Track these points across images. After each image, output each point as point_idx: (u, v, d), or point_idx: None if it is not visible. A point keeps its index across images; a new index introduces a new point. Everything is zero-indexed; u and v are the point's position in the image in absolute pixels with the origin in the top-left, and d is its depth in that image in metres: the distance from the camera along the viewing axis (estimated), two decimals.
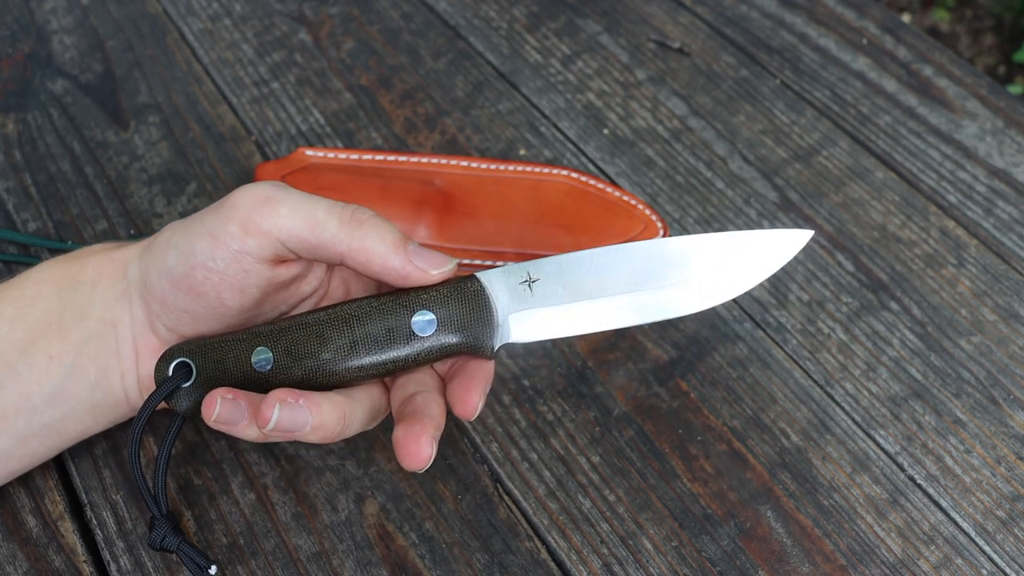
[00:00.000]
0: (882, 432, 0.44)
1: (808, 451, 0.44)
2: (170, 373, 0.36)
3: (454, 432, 0.45)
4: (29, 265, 0.44)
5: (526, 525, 0.42)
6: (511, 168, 0.52)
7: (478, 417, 0.45)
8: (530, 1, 0.66)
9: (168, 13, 0.66)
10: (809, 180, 0.55)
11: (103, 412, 0.40)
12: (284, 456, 0.44)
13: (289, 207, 0.35)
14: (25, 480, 0.43)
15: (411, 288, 0.37)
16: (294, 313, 0.40)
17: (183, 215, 0.53)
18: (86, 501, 0.43)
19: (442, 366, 0.39)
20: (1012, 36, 1.55)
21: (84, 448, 0.44)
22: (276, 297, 0.38)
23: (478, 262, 0.49)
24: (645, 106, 0.59)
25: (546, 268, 0.37)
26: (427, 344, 0.36)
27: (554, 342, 0.48)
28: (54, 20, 0.66)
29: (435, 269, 0.36)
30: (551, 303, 0.37)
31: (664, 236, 0.50)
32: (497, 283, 0.37)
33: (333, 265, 0.40)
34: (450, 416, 0.45)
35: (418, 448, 0.34)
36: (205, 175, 0.56)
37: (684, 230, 0.52)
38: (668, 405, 0.46)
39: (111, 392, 0.39)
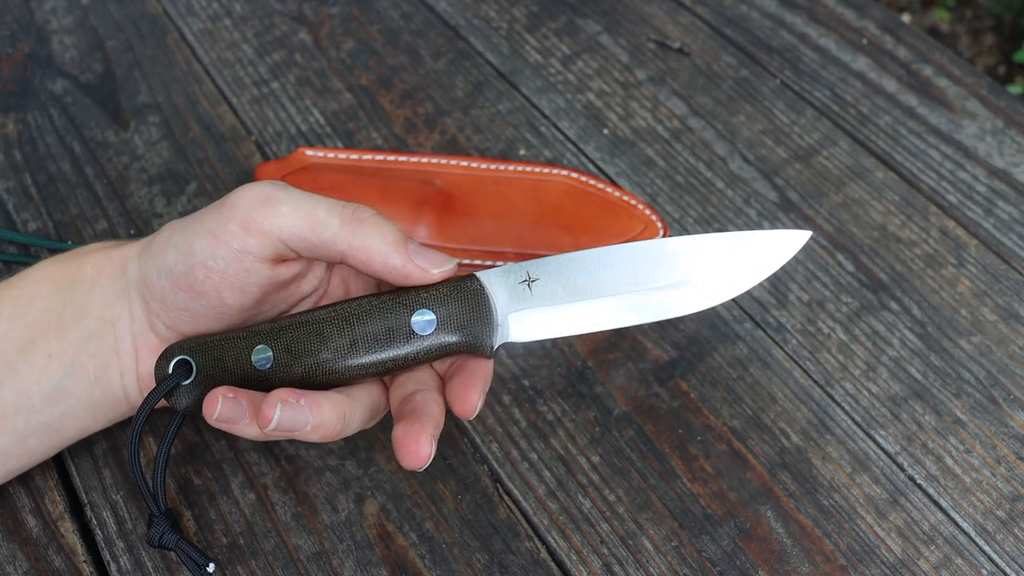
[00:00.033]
0: (882, 432, 0.44)
1: (808, 451, 0.44)
2: (170, 371, 0.36)
3: (454, 432, 0.45)
4: (29, 265, 0.44)
5: (526, 525, 0.42)
6: (511, 168, 0.52)
7: (478, 417, 0.45)
8: (530, 1, 0.66)
9: (168, 13, 0.66)
10: (809, 180, 0.55)
11: (102, 411, 0.40)
12: (284, 456, 0.44)
13: (290, 206, 0.35)
14: (25, 480, 0.43)
15: (411, 287, 0.37)
16: (294, 312, 0.40)
17: (183, 215, 0.52)
18: (86, 501, 0.43)
19: (441, 365, 0.39)
20: (1012, 36, 1.55)
21: (84, 448, 0.44)
22: (276, 296, 0.38)
23: (478, 262, 0.49)
24: (645, 106, 0.59)
25: (546, 268, 0.37)
26: (427, 343, 0.36)
27: (554, 342, 0.48)
28: (54, 20, 0.66)
29: (436, 268, 0.36)
30: (550, 303, 0.37)
31: (664, 236, 0.50)
32: (497, 282, 0.37)
33: (333, 264, 0.40)
34: (450, 416, 0.45)
35: (417, 447, 0.34)
36: (205, 175, 0.56)
37: (684, 230, 0.52)
38: (668, 405, 0.46)
39: (110, 390, 0.39)
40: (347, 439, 0.44)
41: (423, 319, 0.36)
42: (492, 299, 0.37)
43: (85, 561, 0.41)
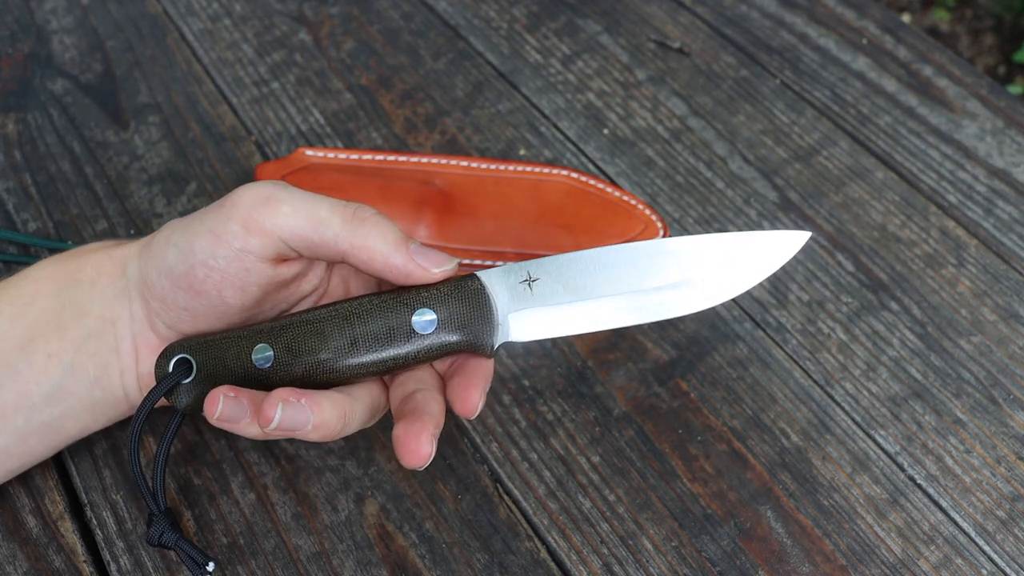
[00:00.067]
0: (882, 432, 0.44)
1: (808, 451, 0.44)
2: (170, 369, 0.36)
3: (454, 432, 0.45)
4: (29, 265, 0.44)
5: (526, 525, 0.42)
6: (511, 168, 0.52)
7: (478, 417, 0.45)
8: (530, 1, 0.66)
9: (168, 13, 0.66)
10: (809, 180, 0.55)
11: (102, 410, 0.40)
12: (284, 456, 0.44)
13: (291, 206, 0.36)
14: (25, 480, 0.43)
15: (412, 286, 0.37)
16: (294, 311, 0.40)
17: (183, 215, 0.53)
18: (86, 501, 0.43)
19: (442, 365, 0.39)
20: (1012, 36, 1.55)
21: (84, 448, 0.44)
22: (276, 296, 0.38)
23: (478, 262, 0.49)
24: (645, 106, 0.59)
25: (546, 267, 0.37)
26: (427, 342, 0.36)
27: (554, 342, 0.48)
28: (54, 20, 0.66)
29: (437, 267, 0.36)
30: (551, 302, 0.37)
31: (664, 236, 0.50)
32: (497, 282, 0.37)
33: (333, 264, 0.40)
34: (450, 416, 0.45)
35: (418, 446, 0.34)
36: (205, 175, 0.56)
37: (684, 230, 0.52)
38: (668, 405, 0.46)
39: (110, 390, 0.39)
40: (347, 439, 0.44)
41: (424, 318, 0.36)
42: (493, 298, 0.37)
43: (85, 561, 0.41)
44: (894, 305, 0.49)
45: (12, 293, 0.39)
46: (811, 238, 0.52)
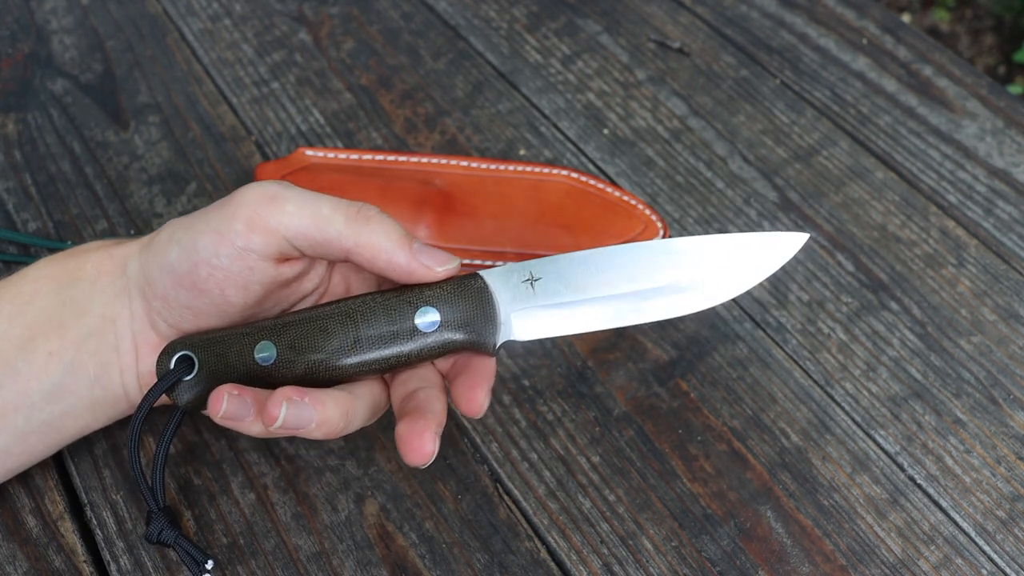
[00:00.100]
0: (882, 432, 0.44)
1: (808, 451, 0.44)
2: (172, 366, 0.36)
3: (454, 432, 0.45)
4: (28, 265, 0.44)
5: (526, 525, 0.42)
6: (511, 168, 0.52)
7: (471, 417, 0.45)
8: (530, 1, 0.66)
9: (168, 13, 0.66)
10: (809, 180, 0.55)
11: (102, 409, 0.40)
12: (284, 456, 0.44)
13: (295, 204, 0.36)
14: (25, 480, 0.43)
15: (415, 285, 0.37)
16: (295, 309, 0.40)
17: (183, 215, 0.53)
18: (86, 501, 0.43)
19: (443, 364, 0.39)
20: (1012, 36, 1.55)
21: (84, 448, 0.44)
22: (278, 294, 0.39)
23: (478, 262, 0.49)
24: (645, 106, 0.59)
25: (548, 267, 0.38)
26: (430, 340, 0.36)
27: (554, 342, 0.48)
28: (54, 20, 0.66)
29: (440, 266, 0.36)
30: (553, 301, 0.37)
31: (664, 236, 0.50)
32: (500, 281, 0.37)
33: (334, 262, 0.40)
34: (450, 416, 0.45)
35: (421, 444, 0.34)
36: (205, 175, 0.56)
37: (684, 230, 0.52)
38: (668, 405, 0.46)
39: (110, 388, 0.39)
40: (347, 439, 0.44)
41: (427, 316, 0.36)
42: (495, 297, 0.37)
43: (85, 561, 0.41)
44: (894, 305, 0.49)
45: (12, 292, 0.39)
46: (811, 238, 0.52)
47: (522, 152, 0.57)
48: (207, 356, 0.36)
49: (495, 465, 0.44)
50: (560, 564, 0.41)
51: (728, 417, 0.45)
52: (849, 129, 0.57)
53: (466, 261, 0.49)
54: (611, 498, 0.43)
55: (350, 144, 0.57)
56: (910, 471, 0.43)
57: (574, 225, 0.50)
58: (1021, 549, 0.41)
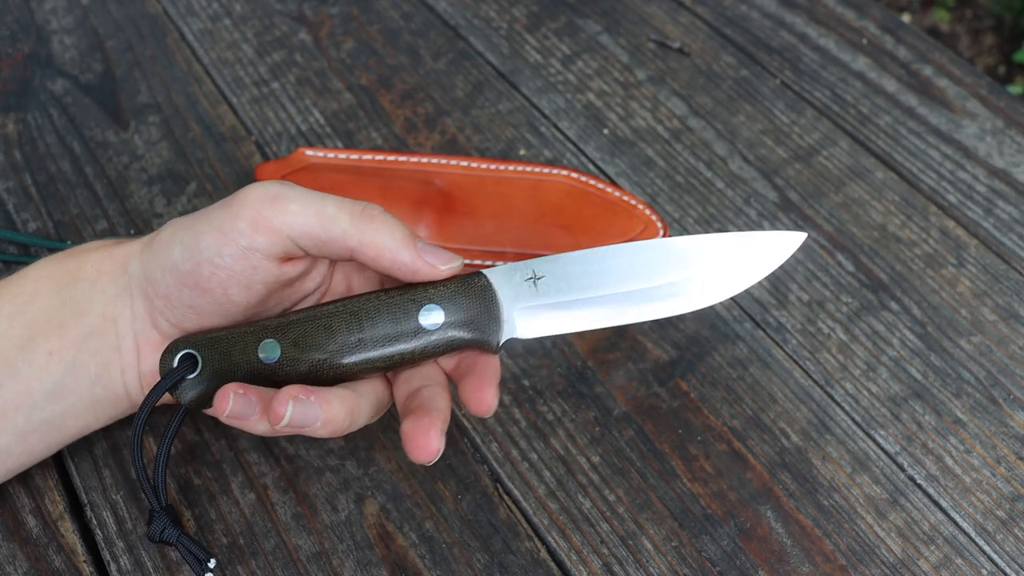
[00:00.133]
0: (882, 432, 0.44)
1: (808, 451, 0.44)
2: (175, 364, 0.36)
3: (454, 432, 0.45)
4: (28, 264, 0.44)
5: (526, 525, 0.42)
6: (511, 168, 0.52)
7: (478, 417, 0.45)
8: (530, 1, 0.66)
9: (168, 13, 0.66)
10: (809, 180, 0.55)
11: (103, 408, 0.40)
12: (284, 456, 0.44)
13: (299, 204, 0.36)
14: (25, 480, 0.43)
15: (418, 283, 0.37)
16: (298, 308, 0.40)
17: (183, 215, 0.53)
18: (86, 501, 0.43)
19: (448, 365, 0.39)
20: (1012, 36, 1.55)
21: (84, 448, 0.44)
22: (280, 294, 0.39)
23: (478, 262, 0.49)
24: (645, 106, 0.59)
25: (550, 266, 0.38)
26: (434, 338, 0.36)
27: (554, 342, 0.48)
28: (54, 20, 0.66)
29: (444, 265, 0.37)
30: (555, 300, 0.38)
31: (664, 236, 0.50)
32: (503, 279, 0.38)
33: (336, 262, 0.40)
34: (450, 416, 0.45)
35: (427, 441, 0.34)
36: (205, 175, 0.56)
37: (684, 230, 0.52)
38: (668, 405, 0.46)
39: (111, 388, 0.39)
40: (347, 439, 0.45)
41: (431, 314, 0.36)
42: (499, 295, 0.37)
43: (85, 561, 0.41)
44: (894, 305, 0.49)
45: (12, 292, 0.39)
46: (811, 238, 0.52)
47: (522, 152, 0.57)
48: (210, 354, 0.36)
49: (495, 465, 0.44)
50: (560, 564, 0.41)
51: (728, 417, 0.45)
52: (849, 129, 0.57)
53: (466, 261, 0.49)
54: (611, 498, 0.43)
55: (350, 144, 0.57)
56: (910, 471, 0.43)
57: (574, 225, 0.50)
58: (1021, 549, 0.41)
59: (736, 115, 0.58)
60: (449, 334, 0.36)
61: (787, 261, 0.50)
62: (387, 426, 0.45)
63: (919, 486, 0.43)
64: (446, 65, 0.62)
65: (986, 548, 0.41)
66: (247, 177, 0.56)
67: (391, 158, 0.53)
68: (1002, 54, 1.54)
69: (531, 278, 0.38)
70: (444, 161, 0.53)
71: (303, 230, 0.36)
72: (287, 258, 0.37)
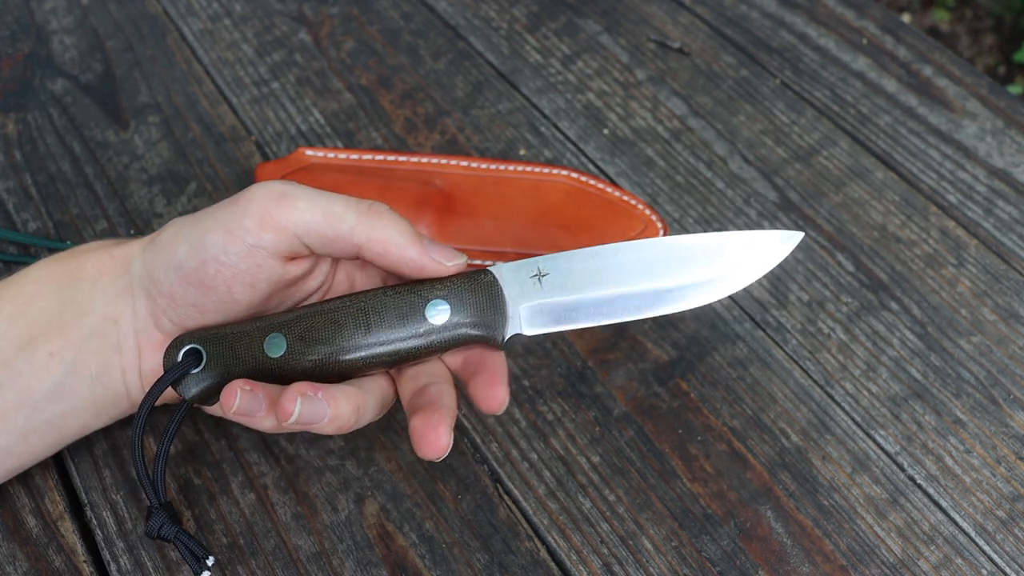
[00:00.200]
0: (882, 432, 0.44)
1: (808, 451, 0.44)
2: (179, 359, 0.37)
3: (454, 432, 0.45)
4: (28, 265, 0.44)
5: (526, 525, 0.42)
6: (511, 168, 0.52)
7: (478, 417, 0.45)
8: (530, 1, 0.66)
9: (168, 13, 0.66)
10: (809, 180, 0.55)
11: (104, 408, 0.40)
12: (284, 456, 0.44)
13: (306, 202, 0.36)
14: (25, 480, 0.43)
15: (424, 279, 0.37)
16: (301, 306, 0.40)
17: (183, 215, 0.53)
18: (86, 501, 0.43)
19: (455, 364, 0.39)
20: (1012, 36, 1.55)
21: (84, 448, 0.44)
22: (283, 293, 0.39)
23: (478, 262, 0.49)
24: (645, 106, 0.59)
25: (555, 263, 0.38)
26: (440, 333, 0.37)
27: (554, 342, 0.48)
28: (54, 20, 0.66)
29: (449, 261, 0.37)
30: (559, 296, 0.38)
31: (664, 236, 0.50)
32: (508, 276, 0.38)
33: (338, 261, 0.41)
34: None
35: (436, 437, 0.35)
36: (205, 175, 0.56)
37: (684, 230, 0.52)
38: (668, 405, 0.46)
39: (112, 387, 0.39)
40: (347, 439, 0.45)
41: (437, 310, 0.37)
42: (504, 291, 0.38)
43: (85, 561, 0.41)
44: (894, 305, 0.49)
45: (12, 292, 0.39)
46: (811, 238, 0.52)
47: (522, 152, 0.57)
48: (215, 349, 0.37)
49: (495, 465, 0.44)
50: (560, 564, 0.41)
51: (728, 417, 0.45)
52: (849, 129, 0.57)
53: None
54: (611, 498, 0.43)
55: (350, 144, 0.57)
56: (910, 471, 0.43)
57: (574, 225, 0.50)
58: (1021, 549, 0.41)
59: (736, 115, 0.58)
60: (455, 330, 0.37)
61: (787, 261, 0.50)
62: (387, 426, 0.45)
63: (919, 486, 0.43)
64: (446, 65, 0.62)
65: (986, 548, 0.41)
66: (247, 177, 0.56)
67: (391, 158, 0.53)
68: (1002, 54, 1.54)
69: (536, 275, 0.38)
70: (444, 161, 0.53)
71: (310, 228, 0.36)
72: (292, 257, 0.37)
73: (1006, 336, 0.48)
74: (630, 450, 0.44)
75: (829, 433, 0.44)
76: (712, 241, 0.39)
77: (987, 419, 0.45)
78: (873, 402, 0.45)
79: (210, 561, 0.37)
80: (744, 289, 0.49)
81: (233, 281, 0.37)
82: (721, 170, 0.55)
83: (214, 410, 0.40)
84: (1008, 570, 0.40)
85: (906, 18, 1.60)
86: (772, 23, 0.64)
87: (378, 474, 0.43)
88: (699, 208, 0.53)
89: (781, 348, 0.47)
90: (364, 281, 0.41)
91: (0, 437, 0.39)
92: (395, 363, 0.37)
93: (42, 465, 0.44)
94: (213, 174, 0.56)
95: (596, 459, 0.44)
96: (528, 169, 0.52)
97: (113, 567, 0.41)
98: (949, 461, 0.43)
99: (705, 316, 0.49)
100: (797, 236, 0.40)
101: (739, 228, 0.52)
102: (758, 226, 0.53)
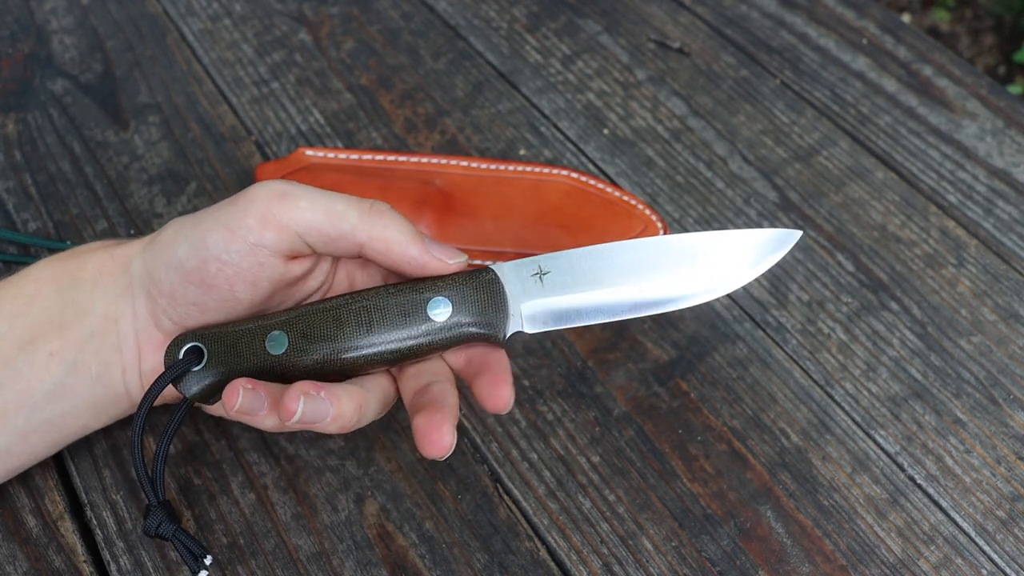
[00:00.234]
0: (882, 432, 0.44)
1: (808, 451, 0.44)
2: (181, 357, 0.37)
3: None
4: (28, 265, 0.44)
5: (526, 525, 0.42)
6: (511, 168, 0.52)
7: (478, 417, 0.45)
8: (530, 1, 0.66)
9: (168, 13, 0.66)
10: (809, 180, 0.55)
11: (104, 408, 0.40)
12: (284, 456, 0.44)
13: (308, 200, 0.36)
14: (25, 480, 0.43)
15: (426, 277, 0.37)
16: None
17: (183, 215, 0.53)
18: (86, 501, 0.43)
19: (457, 363, 0.39)
20: (1012, 36, 1.55)
21: (84, 448, 0.44)
22: (284, 292, 0.39)
23: (478, 262, 0.49)
24: (645, 106, 0.59)
25: (556, 262, 0.38)
26: (442, 330, 0.37)
27: (554, 342, 0.48)
28: (54, 20, 0.66)
29: (450, 260, 0.37)
30: (560, 294, 0.38)
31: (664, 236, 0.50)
32: (510, 274, 0.38)
33: (339, 261, 0.41)
34: None
35: (440, 436, 0.35)
36: (205, 175, 0.56)
37: (684, 230, 0.52)
38: (668, 405, 0.46)
39: (112, 387, 0.39)
40: (347, 439, 0.45)
41: (439, 307, 0.37)
42: (505, 289, 0.38)
43: (85, 561, 0.41)
44: (894, 305, 0.49)
45: (12, 293, 0.39)
46: (811, 238, 0.52)
47: (522, 152, 0.57)
48: (216, 347, 0.37)
49: (495, 465, 0.44)
50: (560, 564, 0.41)
51: (728, 417, 0.45)
52: (849, 129, 0.57)
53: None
54: (611, 498, 0.43)
55: (350, 144, 0.57)
56: (910, 471, 0.43)
57: (574, 225, 0.50)
58: (1021, 549, 0.41)
59: (736, 115, 0.58)
60: (457, 327, 0.37)
61: (787, 261, 0.50)
62: (387, 426, 0.45)
63: (919, 486, 0.43)
64: (446, 65, 0.62)
65: (986, 548, 0.41)
66: (247, 177, 0.56)
67: (391, 158, 0.53)
68: (1002, 54, 1.54)
69: (537, 273, 0.38)
70: (444, 161, 0.53)
71: (312, 226, 0.36)
72: (293, 256, 0.37)
73: (1006, 336, 0.48)
74: (630, 450, 0.44)
75: (829, 433, 0.44)
76: (712, 240, 0.39)
77: (987, 419, 0.45)
78: (873, 402, 0.45)
79: (208, 560, 0.37)
80: (744, 289, 0.49)
81: (235, 280, 0.37)
82: (721, 170, 0.55)
83: (214, 410, 0.40)
84: (1008, 570, 0.40)
85: (906, 18, 1.60)
86: (772, 23, 0.64)
87: (378, 474, 0.43)
88: (699, 208, 0.53)
89: (781, 348, 0.47)
90: (364, 280, 0.42)
91: (0, 437, 0.39)
92: (397, 361, 0.37)
93: (42, 465, 0.44)
94: (213, 174, 0.56)
95: (596, 459, 0.44)
96: (528, 169, 0.52)
97: (113, 567, 0.41)
98: (949, 461, 0.43)
99: (705, 316, 0.49)
100: (796, 235, 0.40)
101: (739, 228, 0.52)
102: (758, 226, 0.53)
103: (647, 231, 0.50)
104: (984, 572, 0.40)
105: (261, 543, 0.41)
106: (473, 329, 0.37)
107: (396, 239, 0.37)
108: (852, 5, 0.65)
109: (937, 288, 0.49)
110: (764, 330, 0.48)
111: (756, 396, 0.46)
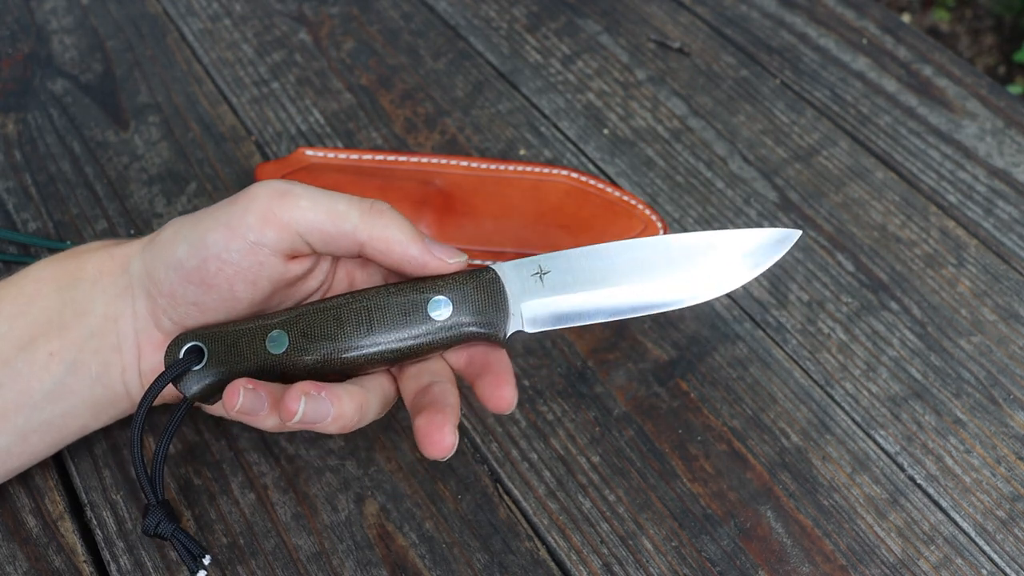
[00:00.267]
0: (882, 432, 0.44)
1: (808, 451, 0.44)
2: (181, 356, 0.37)
3: None
4: (28, 265, 0.44)
5: (526, 525, 0.42)
6: (511, 168, 0.52)
7: (478, 417, 0.45)
8: (530, 1, 0.66)
9: (168, 13, 0.66)
10: (809, 180, 0.55)
11: (103, 408, 0.40)
12: (284, 456, 0.44)
13: (309, 200, 0.36)
14: (25, 480, 0.43)
15: (426, 277, 0.37)
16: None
17: (183, 215, 0.53)
18: (86, 501, 0.43)
19: (458, 363, 0.39)
20: (1012, 36, 1.55)
21: (84, 448, 0.44)
22: (283, 292, 0.39)
23: (478, 262, 0.49)
24: (645, 106, 0.59)
25: (557, 261, 0.39)
26: (443, 330, 0.37)
27: (554, 342, 0.48)
28: (54, 20, 0.66)
29: (451, 259, 0.37)
30: (560, 294, 0.38)
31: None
32: (510, 273, 0.38)
33: (339, 261, 0.41)
34: None
35: (442, 436, 0.35)
36: (205, 175, 0.56)
37: (684, 230, 0.52)
38: (668, 405, 0.46)
39: (111, 387, 0.39)
40: (347, 439, 0.45)
41: (439, 306, 0.37)
42: (506, 288, 0.38)
43: (85, 561, 0.41)
44: (894, 305, 0.49)
45: (12, 293, 0.39)
46: (811, 238, 0.52)
47: (522, 152, 0.57)
48: (217, 346, 0.37)
49: (495, 465, 0.44)
50: (560, 564, 0.41)
51: (728, 417, 0.45)
52: (849, 129, 0.57)
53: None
54: (611, 498, 0.43)
55: (350, 144, 0.57)
56: (910, 471, 0.43)
57: (574, 225, 0.50)
58: (1021, 549, 0.41)
59: (736, 115, 0.58)
60: (458, 327, 0.37)
61: (787, 261, 0.50)
62: (387, 426, 0.45)
63: (919, 486, 0.43)
64: (446, 65, 0.62)
65: (986, 548, 0.41)
66: (247, 177, 0.56)
67: (391, 158, 0.53)
68: (1002, 54, 1.54)
69: (537, 273, 0.38)
70: (444, 161, 0.53)
71: (312, 225, 0.36)
72: (293, 255, 0.37)
73: (1006, 336, 0.48)
74: (630, 450, 0.44)
75: (829, 433, 0.44)
76: (711, 239, 0.39)
77: (987, 419, 0.45)
78: (873, 402, 0.45)
79: (207, 560, 0.37)
80: (744, 289, 0.49)
81: (235, 279, 0.37)
82: (721, 170, 0.55)
83: (214, 410, 0.40)
84: (1008, 570, 0.40)
85: (906, 18, 1.60)
86: (772, 23, 0.64)
87: (378, 474, 0.43)
88: (699, 208, 0.53)
89: (781, 348, 0.47)
90: (364, 280, 0.42)
91: (0, 437, 0.39)
92: (397, 360, 0.37)
93: (42, 465, 0.44)
94: (213, 174, 0.56)
95: (596, 459, 0.44)
96: (528, 169, 0.52)
97: (113, 567, 0.41)
98: (949, 461, 0.43)
99: (705, 316, 0.49)
100: (795, 234, 0.40)
101: (739, 228, 0.52)
102: (758, 226, 0.53)
103: (647, 231, 0.50)
104: (984, 572, 0.40)
105: (261, 543, 0.41)
106: (474, 328, 0.37)
107: (397, 239, 0.37)
108: (852, 5, 0.65)
109: (937, 288, 0.49)
110: (764, 330, 0.48)
111: (756, 396, 0.46)
